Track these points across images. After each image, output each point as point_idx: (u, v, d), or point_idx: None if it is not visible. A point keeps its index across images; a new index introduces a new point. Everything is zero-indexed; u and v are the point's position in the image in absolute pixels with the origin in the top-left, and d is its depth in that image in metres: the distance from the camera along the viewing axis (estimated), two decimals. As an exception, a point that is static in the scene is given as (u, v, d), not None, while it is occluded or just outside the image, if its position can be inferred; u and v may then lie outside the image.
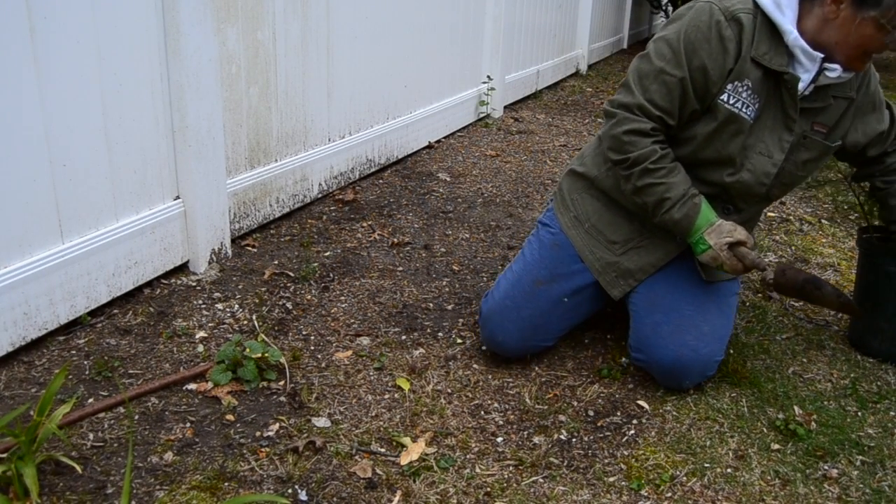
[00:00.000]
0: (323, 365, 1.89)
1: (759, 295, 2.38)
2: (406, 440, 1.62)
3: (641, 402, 1.80)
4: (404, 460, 1.56)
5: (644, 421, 1.74)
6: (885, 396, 1.87)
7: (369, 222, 2.81)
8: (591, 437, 1.68)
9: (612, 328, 2.10)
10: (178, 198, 2.22)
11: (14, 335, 1.79)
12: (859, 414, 1.80)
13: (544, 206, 2.02)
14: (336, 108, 2.99)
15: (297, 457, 1.56)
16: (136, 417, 1.65)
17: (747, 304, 2.31)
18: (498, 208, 3.06)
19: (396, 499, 1.46)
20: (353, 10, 2.97)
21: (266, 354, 1.80)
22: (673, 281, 1.84)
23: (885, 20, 1.55)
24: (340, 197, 3.02)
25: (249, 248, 2.51)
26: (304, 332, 2.03)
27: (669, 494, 1.51)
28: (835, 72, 1.63)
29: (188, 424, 1.64)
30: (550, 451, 1.63)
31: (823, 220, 3.11)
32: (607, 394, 1.84)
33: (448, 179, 3.38)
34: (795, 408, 1.80)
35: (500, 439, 1.66)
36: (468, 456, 1.60)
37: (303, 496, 1.46)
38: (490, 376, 1.88)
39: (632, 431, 1.70)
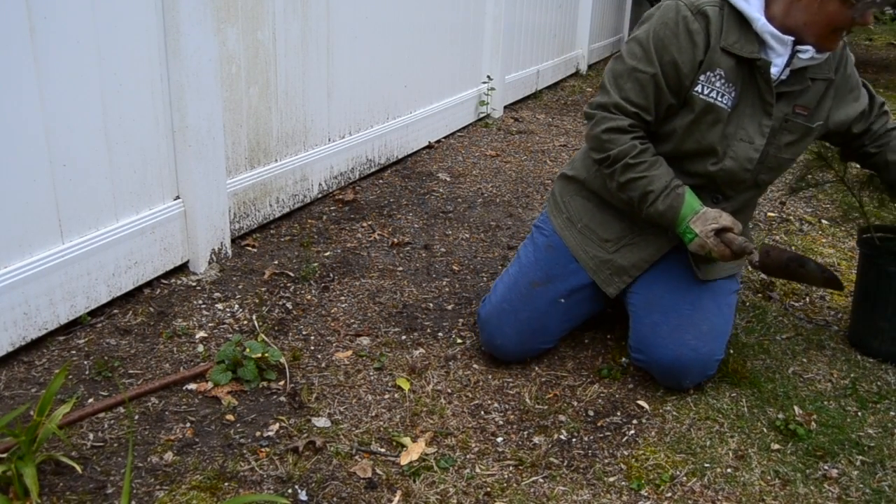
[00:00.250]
0: (323, 365, 1.89)
1: (759, 295, 2.38)
2: (406, 440, 1.62)
3: (641, 402, 1.80)
4: (404, 460, 1.56)
5: (644, 421, 1.74)
6: (885, 396, 1.87)
7: (369, 222, 2.81)
8: (591, 437, 1.68)
9: (612, 328, 2.10)
10: (178, 198, 2.22)
11: (14, 335, 1.79)
12: (859, 414, 1.80)
13: (544, 206, 2.05)
14: (336, 108, 2.99)
15: (297, 457, 1.56)
16: (136, 417, 1.65)
17: (747, 304, 2.31)
18: (498, 208, 3.06)
19: (396, 499, 1.46)
20: (353, 10, 2.97)
21: (266, 354, 1.80)
22: (671, 281, 1.85)
23: None
24: (340, 197, 3.02)
25: (249, 248, 2.51)
26: (304, 332, 2.03)
27: (669, 494, 1.51)
28: (807, 53, 1.65)
29: (188, 424, 1.64)
30: (550, 451, 1.63)
31: (823, 220, 3.11)
32: (607, 394, 1.84)
33: (448, 179, 3.38)
34: (795, 408, 1.80)
35: (500, 439, 1.66)
36: (468, 456, 1.60)
37: (303, 496, 1.46)
38: (490, 376, 1.88)
39: (632, 431, 1.70)
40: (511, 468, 1.57)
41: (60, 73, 1.78)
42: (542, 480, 1.54)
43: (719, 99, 1.67)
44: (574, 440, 1.67)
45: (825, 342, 2.12)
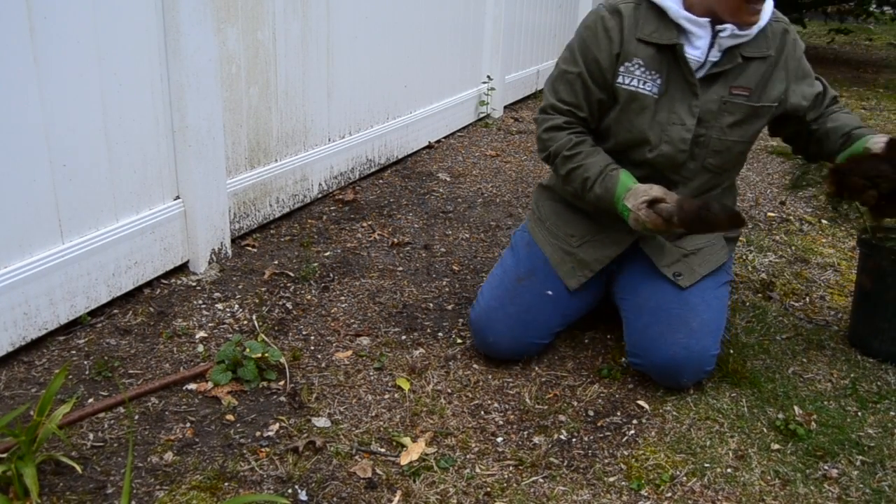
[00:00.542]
0: (323, 365, 1.89)
1: (759, 295, 2.38)
2: (406, 440, 1.62)
3: (641, 402, 1.80)
4: (404, 460, 1.56)
5: (644, 421, 1.74)
6: (885, 396, 1.87)
7: (369, 222, 2.81)
8: (591, 437, 1.68)
9: (613, 328, 2.10)
10: (178, 198, 2.22)
11: (14, 335, 1.79)
12: (859, 414, 1.80)
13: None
14: (336, 108, 2.99)
15: (297, 457, 1.56)
16: (136, 417, 1.65)
17: (747, 304, 2.31)
18: (498, 208, 3.06)
19: (396, 499, 1.46)
20: (353, 10, 2.97)
21: (266, 354, 1.80)
22: (656, 282, 1.86)
23: None
24: (340, 197, 3.02)
25: (249, 248, 2.51)
26: (304, 332, 2.03)
27: (669, 494, 1.51)
28: (727, 31, 1.70)
29: (188, 424, 1.64)
30: (550, 451, 1.63)
31: (823, 220, 3.11)
32: (607, 394, 1.84)
33: (448, 179, 3.38)
34: (795, 408, 1.80)
35: (500, 439, 1.66)
36: (468, 456, 1.60)
37: (303, 496, 1.46)
38: (490, 376, 1.88)
39: (632, 431, 1.70)
40: (511, 468, 1.57)
41: (60, 73, 1.78)
42: (542, 480, 1.54)
43: (641, 87, 1.76)
44: (574, 440, 1.67)
45: (825, 342, 2.12)
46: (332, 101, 2.95)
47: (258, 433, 1.63)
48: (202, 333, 1.99)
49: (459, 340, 2.04)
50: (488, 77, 4.43)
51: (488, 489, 1.50)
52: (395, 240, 2.66)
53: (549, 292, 1.92)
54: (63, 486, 1.44)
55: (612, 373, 1.91)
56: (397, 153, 3.52)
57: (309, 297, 2.22)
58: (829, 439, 1.69)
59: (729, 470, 1.59)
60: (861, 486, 1.56)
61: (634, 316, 1.86)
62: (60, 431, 1.50)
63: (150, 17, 2.00)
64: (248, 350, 1.79)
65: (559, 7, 5.66)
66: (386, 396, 1.78)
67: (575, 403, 1.80)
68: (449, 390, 1.82)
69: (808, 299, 2.38)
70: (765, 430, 1.72)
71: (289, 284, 2.28)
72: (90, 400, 1.70)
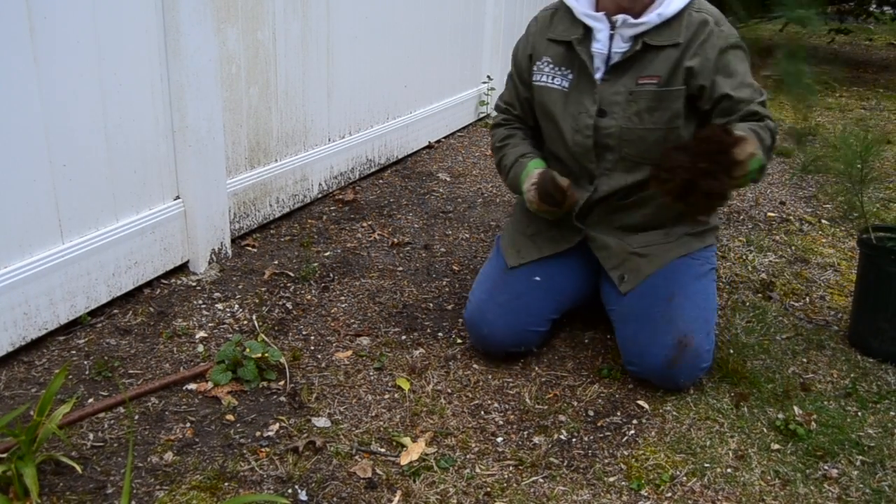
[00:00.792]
0: (323, 365, 1.89)
1: (759, 295, 2.38)
2: (406, 440, 1.62)
3: (641, 402, 1.80)
4: (404, 460, 1.56)
5: (644, 421, 1.74)
6: (885, 396, 1.87)
7: (369, 222, 2.81)
8: (591, 437, 1.68)
9: (613, 328, 2.10)
10: (178, 198, 2.22)
11: (14, 335, 1.79)
12: (859, 414, 1.80)
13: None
14: (336, 108, 2.99)
15: (297, 457, 1.56)
16: (136, 417, 1.65)
17: (747, 304, 2.31)
18: (498, 208, 3.06)
19: (396, 499, 1.46)
20: (353, 10, 2.97)
21: (266, 354, 1.80)
22: (637, 288, 1.86)
23: None
24: (340, 197, 3.02)
25: (249, 248, 2.51)
26: (304, 332, 2.03)
27: (669, 494, 1.51)
28: (619, 20, 1.77)
29: (188, 424, 1.64)
30: (550, 451, 1.63)
31: (823, 220, 3.11)
32: (607, 394, 1.84)
33: (448, 179, 3.38)
34: (795, 408, 1.80)
35: (500, 439, 1.66)
36: (468, 456, 1.60)
37: (303, 496, 1.46)
38: (490, 376, 1.88)
39: (632, 431, 1.70)
40: (511, 468, 1.57)
41: (60, 73, 1.78)
42: (542, 480, 1.54)
43: (551, 82, 1.89)
44: (574, 440, 1.67)
45: (825, 342, 2.12)
46: (332, 101, 2.95)
47: (258, 433, 1.63)
48: (202, 333, 1.99)
49: (459, 340, 2.04)
50: (488, 77, 4.43)
51: (488, 489, 1.50)
52: (395, 240, 2.66)
53: (537, 278, 1.94)
54: (63, 486, 1.44)
55: (612, 373, 1.91)
56: (397, 153, 3.52)
57: (309, 297, 2.22)
58: (829, 439, 1.69)
59: (729, 470, 1.59)
60: (861, 486, 1.56)
61: (622, 325, 1.87)
62: (60, 431, 1.50)
63: (150, 17, 2.00)
64: (248, 350, 1.79)
65: (559, 7, 5.65)
66: (386, 396, 1.78)
67: (575, 403, 1.80)
68: (449, 390, 1.82)
69: (808, 299, 2.38)
70: (765, 430, 1.72)
71: (289, 284, 2.28)
72: (90, 400, 1.70)
